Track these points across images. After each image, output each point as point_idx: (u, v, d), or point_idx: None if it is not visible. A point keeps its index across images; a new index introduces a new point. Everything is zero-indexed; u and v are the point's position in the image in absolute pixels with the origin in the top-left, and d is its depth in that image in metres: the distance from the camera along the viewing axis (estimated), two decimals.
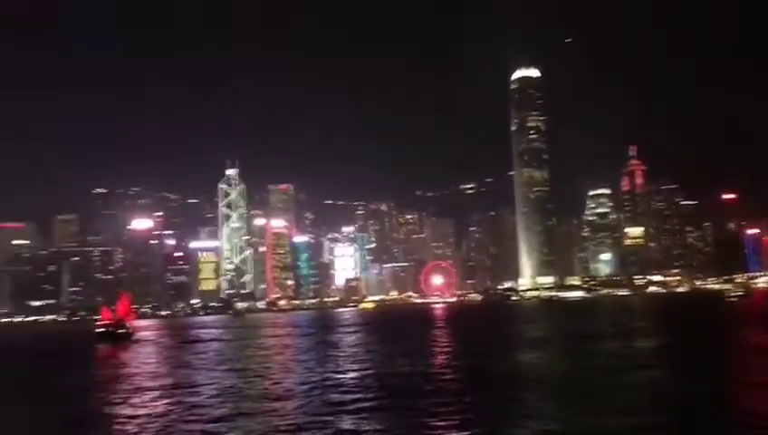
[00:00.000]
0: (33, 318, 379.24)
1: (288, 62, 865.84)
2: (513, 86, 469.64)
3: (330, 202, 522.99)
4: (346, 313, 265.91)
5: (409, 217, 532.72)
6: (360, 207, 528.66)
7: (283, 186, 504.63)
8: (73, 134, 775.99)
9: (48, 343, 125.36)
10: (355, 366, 48.25)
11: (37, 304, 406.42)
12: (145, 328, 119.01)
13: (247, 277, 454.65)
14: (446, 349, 62.00)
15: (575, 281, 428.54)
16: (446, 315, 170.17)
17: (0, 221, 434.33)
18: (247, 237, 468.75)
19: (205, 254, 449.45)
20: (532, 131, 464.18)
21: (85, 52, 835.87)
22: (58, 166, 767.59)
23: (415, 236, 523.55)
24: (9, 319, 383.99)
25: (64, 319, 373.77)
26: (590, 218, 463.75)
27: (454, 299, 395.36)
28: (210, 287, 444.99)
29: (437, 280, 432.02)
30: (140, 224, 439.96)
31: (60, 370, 60.60)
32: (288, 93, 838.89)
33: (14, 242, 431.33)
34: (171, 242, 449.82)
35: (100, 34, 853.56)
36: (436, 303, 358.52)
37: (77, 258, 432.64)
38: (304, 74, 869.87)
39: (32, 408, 34.73)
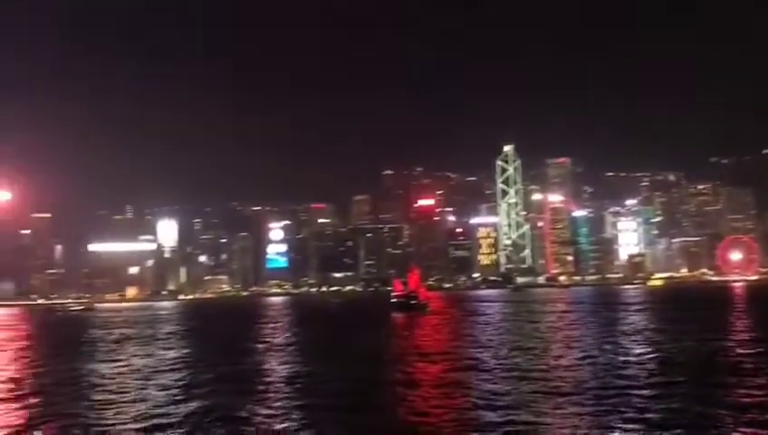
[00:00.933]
0: (336, 288, 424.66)
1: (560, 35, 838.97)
2: None
3: (611, 174, 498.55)
4: (630, 290, 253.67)
5: (701, 187, 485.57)
6: (645, 178, 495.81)
7: (561, 159, 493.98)
8: (363, 122, 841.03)
9: (352, 310, 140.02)
10: (642, 345, 47.07)
11: (338, 275, 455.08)
12: (432, 300, 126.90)
13: (526, 252, 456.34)
14: (747, 332, 57.00)
15: None
16: (746, 295, 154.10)
17: (308, 202, 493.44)
18: (524, 213, 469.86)
19: (484, 229, 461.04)
20: None
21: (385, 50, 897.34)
22: (352, 150, 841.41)
23: (708, 207, 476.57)
24: (316, 288, 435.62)
25: (360, 289, 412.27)
26: None
27: (756, 277, 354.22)
28: (489, 262, 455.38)
29: (736, 256, 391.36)
30: (425, 202, 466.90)
31: (362, 334, 67.89)
32: (560, 64, 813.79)
33: (319, 220, 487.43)
34: (452, 218, 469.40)
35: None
36: (735, 281, 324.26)
37: (370, 234, 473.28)
38: (583, 50, 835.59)
39: (338, 368, 39.58)
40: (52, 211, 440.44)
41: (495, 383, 31.91)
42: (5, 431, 24.12)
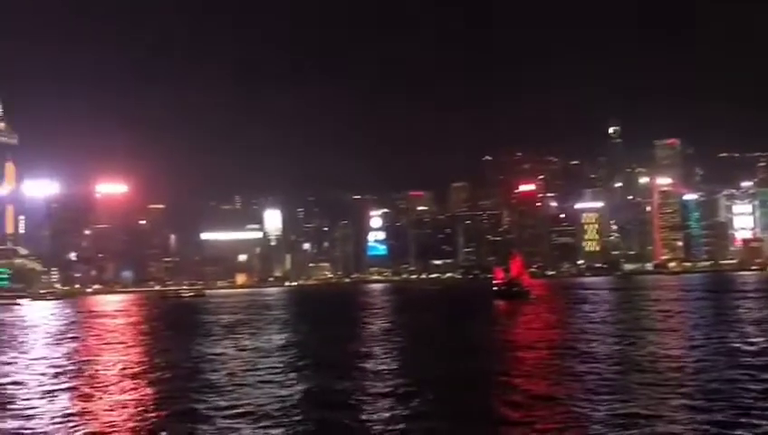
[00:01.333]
0: (435, 275, 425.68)
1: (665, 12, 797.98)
2: None
3: (724, 155, 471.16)
4: (747, 276, 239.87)
5: None
6: (762, 159, 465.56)
7: (670, 140, 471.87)
8: (461, 108, 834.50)
9: (452, 297, 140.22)
10: (759, 335, 44.60)
11: (438, 262, 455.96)
12: (534, 287, 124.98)
13: (633, 238, 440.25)
14: None
15: None
16: None
17: (407, 190, 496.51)
18: (631, 197, 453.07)
19: (588, 214, 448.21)
20: None
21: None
22: (449, 137, 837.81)
23: None
24: (416, 276, 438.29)
25: (459, 277, 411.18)
26: None
27: None
28: (594, 248, 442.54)
29: None
30: (526, 187, 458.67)
31: (463, 322, 67.96)
32: (665, 43, 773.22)
33: (418, 208, 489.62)
34: (555, 204, 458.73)
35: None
36: None
37: (469, 221, 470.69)
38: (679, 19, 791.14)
39: (439, 355, 39.87)
40: (166, 202, 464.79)
41: (601, 374, 31.20)
42: (127, 412, 25.96)
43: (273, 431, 22.00)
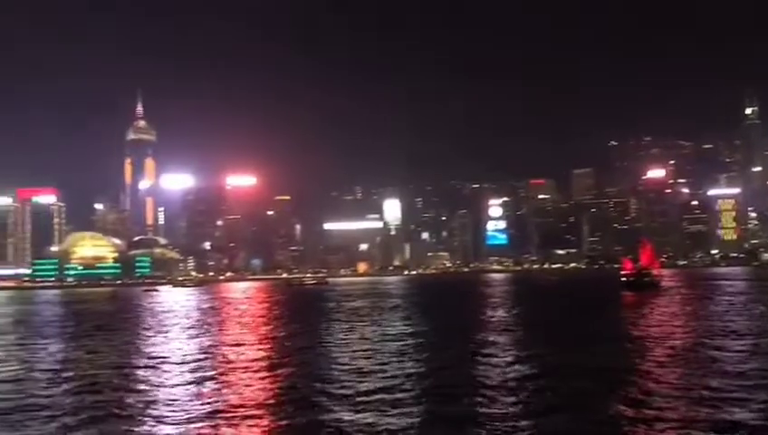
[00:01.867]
0: (558, 265, 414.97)
1: None
2: None
3: None
4: None
5: None
6: None
7: None
8: (583, 92, 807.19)
9: (578, 288, 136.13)
10: None
11: (561, 252, 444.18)
12: (665, 277, 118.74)
13: None
14: None
15: None
16: None
17: (527, 178, 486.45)
18: None
19: (724, 201, 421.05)
20: None
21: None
22: (571, 123, 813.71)
23: None
24: (538, 265, 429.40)
25: (584, 267, 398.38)
26: None
27: None
28: (730, 237, 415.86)
29: None
30: (655, 174, 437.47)
31: (588, 315, 65.84)
32: None
33: (539, 196, 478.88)
34: (686, 190, 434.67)
35: None
36: None
37: (594, 210, 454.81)
38: None
39: (565, 355, 38.87)
40: (292, 193, 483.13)
41: (737, 371, 29.15)
42: (254, 394, 27.29)
43: (393, 420, 22.33)
